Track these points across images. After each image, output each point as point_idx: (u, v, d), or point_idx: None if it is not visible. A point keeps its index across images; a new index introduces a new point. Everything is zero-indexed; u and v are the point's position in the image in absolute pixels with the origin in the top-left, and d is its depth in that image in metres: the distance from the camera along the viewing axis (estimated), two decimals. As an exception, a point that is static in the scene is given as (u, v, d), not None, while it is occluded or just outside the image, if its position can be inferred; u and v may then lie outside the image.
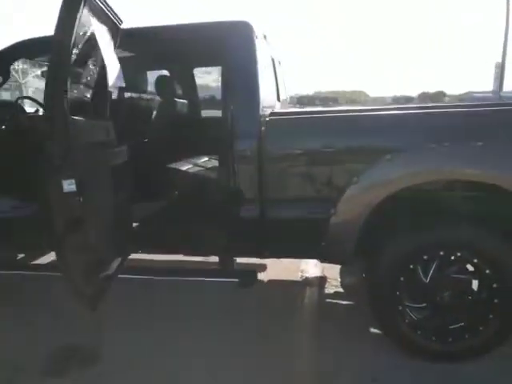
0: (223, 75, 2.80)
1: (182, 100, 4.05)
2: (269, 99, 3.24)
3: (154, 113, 3.90)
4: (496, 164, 2.41)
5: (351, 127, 2.64)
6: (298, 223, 2.75)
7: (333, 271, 3.57)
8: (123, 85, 2.72)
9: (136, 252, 3.11)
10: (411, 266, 2.62)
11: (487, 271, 2.54)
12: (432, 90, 41.71)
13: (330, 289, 3.86)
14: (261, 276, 4.20)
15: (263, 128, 2.72)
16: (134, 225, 3.09)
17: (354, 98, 43.62)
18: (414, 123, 2.57)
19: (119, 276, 3.18)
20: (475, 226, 2.54)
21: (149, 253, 3.18)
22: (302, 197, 2.74)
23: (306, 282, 3.98)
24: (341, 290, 3.57)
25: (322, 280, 4.00)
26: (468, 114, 2.61)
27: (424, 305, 2.68)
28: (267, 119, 2.75)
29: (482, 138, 2.43)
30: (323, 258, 2.77)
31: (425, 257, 2.60)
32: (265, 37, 3.53)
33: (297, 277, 4.09)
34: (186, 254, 3.00)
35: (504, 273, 2.49)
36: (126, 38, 2.91)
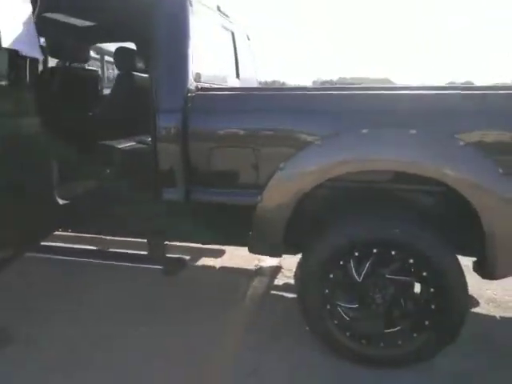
0: (152, 44, 2.46)
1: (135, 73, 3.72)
2: (214, 74, 2.91)
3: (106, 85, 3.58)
4: (432, 154, 2.06)
5: (279, 107, 2.31)
6: (224, 209, 2.45)
7: (291, 261, 3.28)
8: (39, 56, 2.40)
9: (64, 230, 2.85)
10: (341, 263, 2.30)
11: (424, 273, 2.21)
12: (461, 79, 40.39)
13: (281, 280, 3.56)
14: (214, 262, 3.94)
15: (189, 104, 2.39)
16: (61, 202, 2.81)
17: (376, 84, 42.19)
18: (346, 105, 2.22)
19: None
20: (411, 222, 2.20)
21: (78, 232, 2.91)
22: (229, 181, 2.44)
23: (259, 271, 3.69)
24: (292, 281, 3.35)
25: (275, 270, 3.71)
26: (402, 99, 2.24)
27: (356, 305, 2.35)
28: (193, 94, 2.42)
29: (417, 124, 2.07)
30: (251, 248, 2.46)
31: (356, 253, 2.28)
32: (218, 8, 3.18)
33: (252, 265, 3.80)
34: (109, 235, 2.73)
35: (441, 276, 2.16)
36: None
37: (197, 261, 3.87)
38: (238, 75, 3.54)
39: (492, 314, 2.99)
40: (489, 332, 2.74)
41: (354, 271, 2.34)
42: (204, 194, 2.46)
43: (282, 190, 2.27)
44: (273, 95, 2.40)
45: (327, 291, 2.36)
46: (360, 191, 2.37)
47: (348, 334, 2.40)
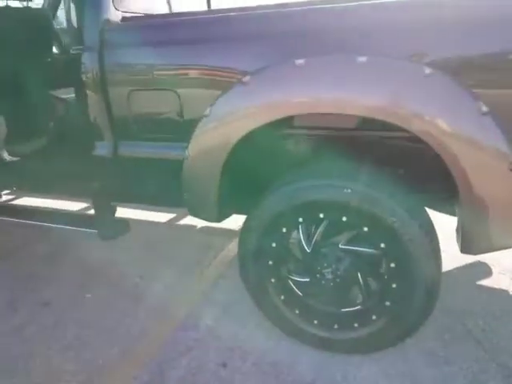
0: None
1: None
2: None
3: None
4: (388, 89, 1.49)
5: (198, 36, 1.78)
6: (156, 165, 2.01)
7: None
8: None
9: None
10: (284, 230, 1.83)
11: (382, 245, 1.70)
12: None
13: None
14: (198, 221, 3.56)
15: (106, 39, 1.93)
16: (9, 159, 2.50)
17: None
18: (277, 27, 1.66)
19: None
20: (363, 180, 1.67)
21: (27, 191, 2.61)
22: (155, 132, 1.99)
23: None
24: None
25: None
26: (349, 13, 1.59)
27: (307, 279, 1.89)
28: (110, 27, 1.94)
29: (368, 48, 1.49)
30: (189, 211, 2.04)
31: (300, 219, 1.79)
32: None
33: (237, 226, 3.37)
34: (49, 194, 2.40)
35: (403, 248, 1.64)
36: None
37: (179, 220, 3.51)
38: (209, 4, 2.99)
39: (503, 287, 2.40)
40: (494, 312, 2.19)
41: (302, 240, 1.87)
42: (131, 149, 2.05)
43: (208, 141, 1.80)
44: (189, 21, 1.86)
45: (271, 262, 1.91)
46: (302, 141, 1.86)
47: (297, 311, 1.96)
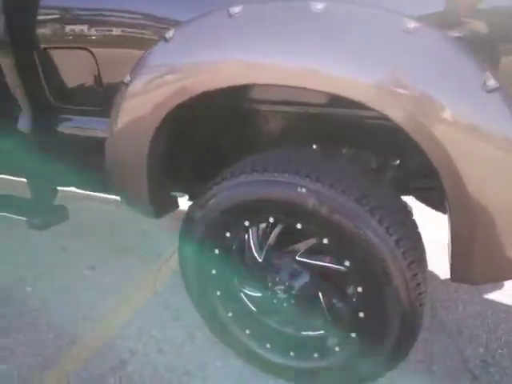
0: None
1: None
2: None
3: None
4: (349, 52, 1.02)
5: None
6: (80, 144, 1.61)
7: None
8: None
9: None
10: (227, 234, 1.40)
11: (346, 262, 1.27)
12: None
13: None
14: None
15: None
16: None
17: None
18: None
19: None
20: (329, 176, 1.22)
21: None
22: (75, 103, 1.56)
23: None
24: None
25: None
26: None
27: (258, 294, 1.47)
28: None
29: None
30: (124, 203, 1.63)
31: (246, 223, 1.36)
32: None
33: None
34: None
35: (372, 270, 1.20)
36: None
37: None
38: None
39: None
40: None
41: (252, 247, 1.44)
42: (49, 123, 1.63)
43: (129, 116, 1.37)
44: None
45: (214, 272, 1.50)
46: (255, 120, 1.40)
47: (248, 332, 1.56)
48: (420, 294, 1.23)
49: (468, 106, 0.95)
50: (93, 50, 1.39)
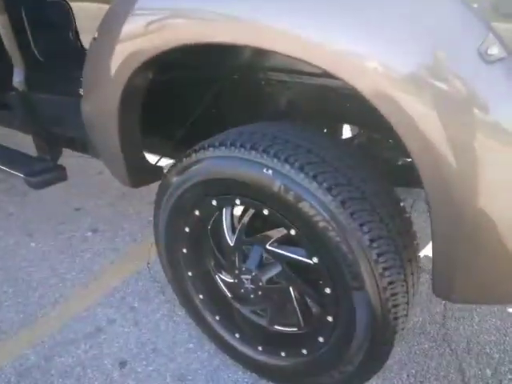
0: None
1: None
2: None
3: None
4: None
5: None
6: (68, 102, 1.52)
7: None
8: None
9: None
10: (196, 213, 1.27)
11: (314, 259, 1.09)
12: None
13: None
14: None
15: None
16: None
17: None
18: None
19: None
20: (302, 157, 1.04)
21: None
22: (61, 58, 1.46)
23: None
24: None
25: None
26: None
27: (233, 281, 1.34)
28: None
29: None
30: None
31: (213, 202, 1.21)
32: None
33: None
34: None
35: (339, 271, 1.02)
36: None
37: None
38: None
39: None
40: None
41: (225, 229, 1.30)
42: (40, 79, 1.55)
43: (98, 72, 1.25)
44: None
45: (185, 251, 1.38)
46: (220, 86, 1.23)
47: (218, 317, 1.43)
48: (395, 306, 1.03)
49: (459, 79, 0.72)
50: (71, 3, 1.27)
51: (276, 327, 1.36)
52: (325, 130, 1.59)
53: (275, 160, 1.04)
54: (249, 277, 1.25)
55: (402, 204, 1.15)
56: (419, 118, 0.78)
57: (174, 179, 1.26)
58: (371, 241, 0.99)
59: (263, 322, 1.39)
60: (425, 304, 1.77)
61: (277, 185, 1.05)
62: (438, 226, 0.92)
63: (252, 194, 1.11)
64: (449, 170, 0.79)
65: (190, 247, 1.38)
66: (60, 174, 1.91)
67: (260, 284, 1.23)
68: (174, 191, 1.28)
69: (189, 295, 1.47)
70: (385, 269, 1.00)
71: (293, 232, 1.09)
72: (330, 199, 1.00)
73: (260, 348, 1.36)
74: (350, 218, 0.99)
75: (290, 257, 1.18)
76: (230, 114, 1.64)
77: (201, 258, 1.40)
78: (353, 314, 1.07)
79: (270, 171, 1.05)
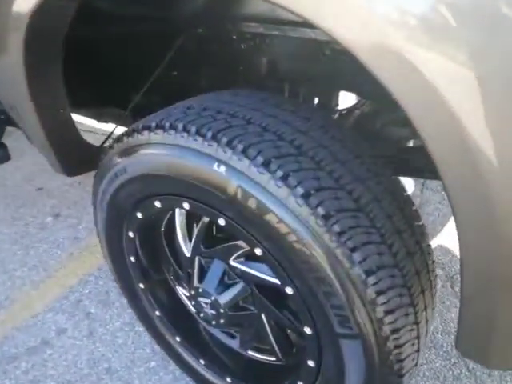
0: None
1: None
2: None
3: None
4: None
5: None
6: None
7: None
8: None
9: None
10: (139, 215, 0.94)
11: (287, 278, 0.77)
12: None
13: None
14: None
15: None
16: None
17: None
18: None
19: None
20: (267, 144, 0.71)
21: None
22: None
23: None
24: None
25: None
26: None
27: (191, 293, 1.03)
28: None
29: None
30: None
31: (157, 203, 0.88)
32: None
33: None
34: None
35: (314, 300, 0.70)
36: None
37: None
38: None
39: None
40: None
41: (179, 236, 0.98)
42: None
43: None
44: None
45: (132, 259, 1.06)
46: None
47: (178, 338, 1.14)
48: (400, 360, 0.72)
49: None
50: None
51: (250, 353, 1.07)
52: (316, 101, 1.23)
53: (229, 151, 0.70)
54: (207, 300, 0.94)
55: (413, 208, 0.81)
56: (436, 84, 0.46)
57: (107, 172, 0.93)
58: (368, 272, 0.67)
59: (234, 344, 1.10)
60: (436, 308, 1.46)
61: (232, 187, 0.71)
62: (469, 248, 0.59)
63: (201, 197, 0.78)
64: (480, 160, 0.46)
65: (137, 255, 1.06)
66: (0, 154, 1.59)
67: (221, 311, 0.92)
68: (107, 187, 0.95)
69: (144, 311, 1.17)
70: (387, 312, 0.68)
71: (258, 252, 0.77)
72: (308, 211, 0.67)
73: (229, 380, 1.08)
74: (337, 239, 0.66)
75: (260, 278, 0.86)
76: (196, 81, 1.29)
77: (153, 269, 1.09)
78: (341, 364, 0.76)
79: (223, 167, 0.71)
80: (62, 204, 1.99)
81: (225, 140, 0.71)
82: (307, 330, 0.79)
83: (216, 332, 1.13)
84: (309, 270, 0.70)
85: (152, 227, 1.01)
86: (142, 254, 1.06)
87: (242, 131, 0.72)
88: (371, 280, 0.66)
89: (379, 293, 0.67)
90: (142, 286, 1.12)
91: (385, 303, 0.68)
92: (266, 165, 0.68)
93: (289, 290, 0.76)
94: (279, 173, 0.68)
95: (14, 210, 1.97)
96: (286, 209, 0.68)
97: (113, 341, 1.37)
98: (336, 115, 1.21)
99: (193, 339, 1.14)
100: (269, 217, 0.70)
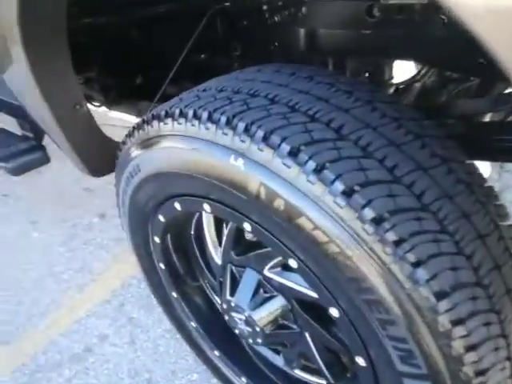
0: None
1: None
2: None
3: None
4: None
5: None
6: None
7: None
8: None
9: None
10: (161, 218, 0.82)
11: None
12: None
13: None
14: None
15: None
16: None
17: None
18: None
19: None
20: (281, 124, 0.54)
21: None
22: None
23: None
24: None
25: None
26: None
27: (223, 306, 0.90)
28: None
29: None
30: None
31: (176, 205, 0.76)
32: None
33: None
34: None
35: (357, 320, 0.53)
36: None
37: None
38: None
39: None
40: None
41: (208, 240, 0.85)
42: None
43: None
44: None
45: (162, 266, 0.95)
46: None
47: (217, 352, 1.01)
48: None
49: None
50: None
51: (297, 373, 0.92)
52: (366, 75, 1.04)
53: (247, 140, 0.55)
54: (241, 316, 0.80)
55: (498, 203, 0.60)
56: None
57: (123, 170, 0.81)
58: (438, 295, 0.49)
59: (280, 361, 0.96)
60: None
61: (254, 184, 0.56)
62: None
63: (222, 198, 0.64)
64: None
65: (168, 262, 0.95)
66: (39, 156, 1.54)
67: (257, 329, 0.78)
68: (125, 187, 0.83)
69: (180, 321, 1.06)
70: (469, 348, 0.50)
71: (293, 263, 0.61)
72: (353, 213, 0.50)
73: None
74: (394, 250, 0.49)
75: (302, 292, 0.71)
76: (228, 64, 1.14)
77: (187, 277, 0.97)
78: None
79: (241, 160, 0.56)
80: (108, 204, 1.95)
81: (242, 126, 0.55)
82: (360, 361, 0.62)
83: (259, 346, 0.99)
84: (357, 291, 0.53)
85: (180, 231, 0.89)
86: (173, 260, 0.94)
87: (263, 113, 0.56)
88: (444, 305, 0.48)
89: (456, 322, 0.49)
90: (174, 294, 1.00)
91: (465, 336, 0.49)
92: (294, 155, 0.52)
93: (334, 312, 0.60)
94: (311, 164, 0.51)
95: (63, 211, 1.96)
96: (323, 211, 0.51)
97: (154, 349, 1.28)
98: (390, 90, 1.01)
99: (233, 354, 1.01)
100: (301, 221, 0.54)
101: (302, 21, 0.99)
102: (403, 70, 1.14)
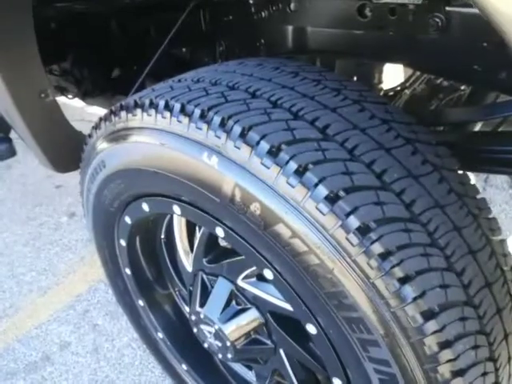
0: None
1: None
2: None
3: None
4: None
5: None
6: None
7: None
8: None
9: None
10: (127, 220, 0.76)
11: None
12: None
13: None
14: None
15: None
16: None
17: None
18: None
19: None
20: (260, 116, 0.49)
21: None
22: None
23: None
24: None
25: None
26: None
27: (192, 317, 0.84)
28: None
29: None
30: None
31: (144, 206, 0.70)
32: None
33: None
34: None
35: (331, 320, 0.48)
36: None
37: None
38: None
39: None
40: None
41: (178, 245, 0.79)
42: None
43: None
44: None
45: (128, 272, 0.89)
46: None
47: (185, 366, 0.95)
48: None
49: None
50: None
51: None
52: (354, 78, 1.00)
53: (223, 135, 0.50)
54: (211, 329, 0.74)
55: (490, 216, 0.57)
56: None
57: (88, 166, 0.75)
58: (426, 315, 0.44)
59: (252, 377, 0.90)
60: None
61: (228, 185, 0.51)
62: None
63: (193, 199, 0.59)
64: None
65: (135, 268, 0.89)
66: (3, 149, 1.46)
67: (228, 344, 0.72)
68: (89, 184, 0.77)
69: (146, 331, 1.00)
70: (456, 373, 0.46)
71: (268, 274, 0.57)
72: (336, 221, 0.45)
73: None
74: (380, 263, 0.45)
75: (277, 305, 0.66)
76: (211, 59, 1.10)
77: (154, 284, 0.91)
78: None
79: (215, 158, 0.51)
80: (79, 202, 1.87)
81: (217, 120, 0.50)
82: (336, 383, 0.57)
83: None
84: (337, 307, 0.48)
85: (148, 234, 0.83)
86: (140, 266, 0.88)
87: (242, 108, 0.51)
88: (432, 326, 0.44)
89: (444, 345, 0.45)
90: (141, 302, 0.94)
91: (452, 360, 0.45)
92: (273, 154, 0.48)
93: (311, 329, 0.55)
94: (292, 165, 0.47)
95: (31, 208, 1.87)
96: (303, 218, 0.47)
97: (119, 359, 1.21)
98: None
99: (202, 369, 0.95)
100: (279, 228, 0.49)
101: (290, 18, 0.95)
102: (392, 77, 1.11)
